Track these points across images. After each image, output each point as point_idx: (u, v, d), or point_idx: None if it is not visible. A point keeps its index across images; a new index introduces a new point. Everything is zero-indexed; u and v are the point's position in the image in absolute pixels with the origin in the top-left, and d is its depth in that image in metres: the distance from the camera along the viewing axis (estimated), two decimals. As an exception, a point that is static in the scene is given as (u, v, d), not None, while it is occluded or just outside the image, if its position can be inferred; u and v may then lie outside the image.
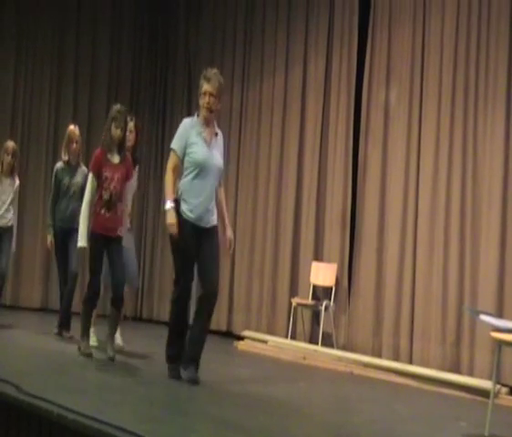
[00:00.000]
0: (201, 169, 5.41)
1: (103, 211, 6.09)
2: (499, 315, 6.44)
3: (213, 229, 5.55)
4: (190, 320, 5.65)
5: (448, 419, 5.36)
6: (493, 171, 7.01)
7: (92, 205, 6.15)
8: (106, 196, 6.10)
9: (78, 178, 7.55)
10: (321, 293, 8.52)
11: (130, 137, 6.55)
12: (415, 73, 7.77)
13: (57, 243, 7.50)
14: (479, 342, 6.85)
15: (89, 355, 6.15)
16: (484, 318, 5.04)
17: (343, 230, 8.36)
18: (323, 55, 8.77)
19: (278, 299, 8.92)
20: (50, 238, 7.49)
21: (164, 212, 5.45)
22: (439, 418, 5.38)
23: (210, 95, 5.46)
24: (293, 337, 8.49)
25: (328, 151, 8.63)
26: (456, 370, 6.96)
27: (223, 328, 9.49)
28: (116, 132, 6.13)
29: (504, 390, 6.27)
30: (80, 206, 6.81)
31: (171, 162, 5.49)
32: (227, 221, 5.73)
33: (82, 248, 6.16)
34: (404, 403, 5.85)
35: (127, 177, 6.24)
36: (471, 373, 6.85)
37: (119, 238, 6.22)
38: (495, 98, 7.05)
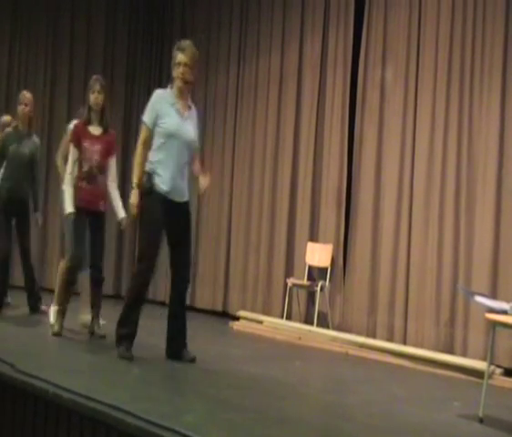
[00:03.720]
0: (173, 141, 5.33)
1: (84, 184, 6.09)
2: (493, 295, 6.46)
3: (186, 206, 5.51)
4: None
5: (443, 399, 5.38)
6: (488, 149, 7.00)
7: (73, 176, 6.11)
8: (85, 167, 6.09)
9: (25, 149, 7.17)
10: (316, 274, 8.53)
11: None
12: (411, 51, 7.75)
13: (5, 214, 7.13)
14: (473, 323, 6.88)
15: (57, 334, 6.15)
16: (478, 299, 5.05)
17: (339, 210, 8.36)
18: (320, 32, 8.73)
19: (273, 279, 8.93)
20: None
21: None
22: (434, 398, 5.41)
23: (185, 65, 5.39)
24: (289, 317, 8.51)
25: (324, 129, 8.61)
26: (450, 351, 6.99)
27: (219, 308, 9.51)
28: (91, 97, 6.11)
29: (498, 371, 6.30)
30: (26, 179, 7.09)
31: (142, 136, 5.43)
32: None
33: (70, 214, 6.09)
34: (399, 384, 5.88)
35: (109, 151, 6.21)
36: (465, 354, 6.88)
37: (101, 214, 6.20)
38: (490, 76, 7.04)
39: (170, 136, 5.33)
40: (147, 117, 5.42)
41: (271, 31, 9.33)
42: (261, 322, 8.36)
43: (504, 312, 4.69)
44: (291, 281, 8.41)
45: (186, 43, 5.48)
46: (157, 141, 5.36)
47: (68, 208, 6.10)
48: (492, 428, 4.50)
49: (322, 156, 8.62)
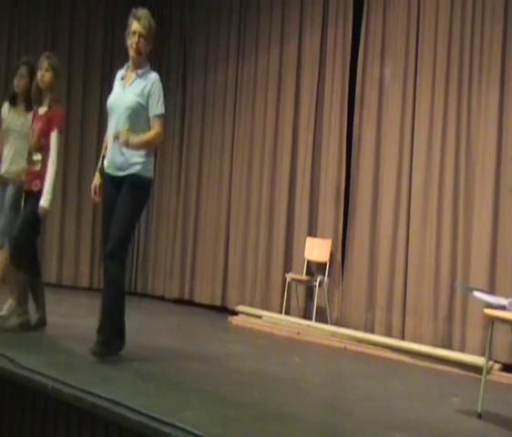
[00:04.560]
0: (111, 112, 5.10)
1: (27, 165, 5.95)
2: (491, 291, 6.47)
3: (129, 178, 5.02)
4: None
5: (441, 395, 5.39)
6: (486, 146, 7.01)
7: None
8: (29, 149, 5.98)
9: None
10: (315, 269, 8.54)
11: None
12: (410, 48, 7.74)
13: None
14: (471, 318, 6.89)
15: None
16: (477, 294, 5.06)
17: (338, 206, 8.37)
18: (319, 29, 8.72)
19: (272, 274, 8.94)
20: None
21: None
22: (432, 394, 5.42)
23: (140, 35, 5.05)
24: (287, 312, 8.52)
25: (323, 125, 8.61)
26: (448, 346, 7.00)
27: (217, 302, 9.52)
28: (38, 74, 5.90)
29: (496, 366, 6.31)
30: None
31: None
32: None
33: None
34: (398, 379, 5.89)
35: (49, 127, 5.86)
36: (462, 349, 6.89)
37: (33, 194, 5.81)
38: (489, 73, 7.03)
39: (108, 108, 5.13)
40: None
41: (269, 27, 9.32)
42: (259, 317, 8.36)
43: (502, 308, 4.70)
44: (289, 276, 8.42)
45: (143, 11, 5.12)
46: None
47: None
48: (490, 423, 4.51)
49: (320, 151, 8.62)
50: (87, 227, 10.72)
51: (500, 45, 6.95)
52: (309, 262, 8.54)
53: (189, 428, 3.29)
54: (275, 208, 9.05)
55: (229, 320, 8.55)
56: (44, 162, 5.85)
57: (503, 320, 4.59)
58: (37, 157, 5.87)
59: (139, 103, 5.04)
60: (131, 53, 5.11)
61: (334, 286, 8.31)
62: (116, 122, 5.05)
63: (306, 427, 3.84)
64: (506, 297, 4.98)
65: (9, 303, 6.34)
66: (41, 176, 5.84)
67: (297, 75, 8.94)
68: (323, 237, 8.43)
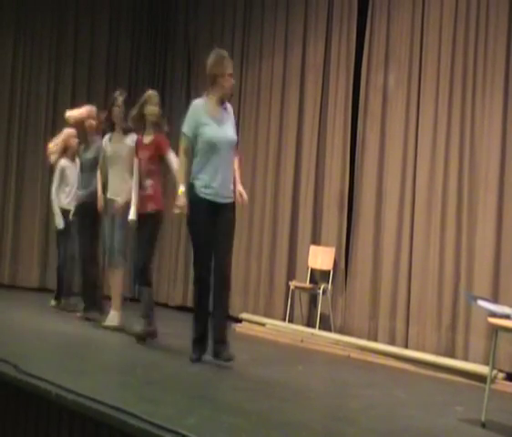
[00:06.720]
0: (215, 148, 5.45)
1: (139, 191, 6.49)
2: (495, 300, 6.46)
3: (230, 205, 5.56)
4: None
5: (445, 403, 5.38)
6: (490, 153, 7.01)
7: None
8: (140, 175, 6.51)
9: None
10: (318, 276, 8.53)
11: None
12: (414, 55, 7.76)
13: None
14: (474, 327, 6.88)
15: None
16: (481, 303, 5.06)
17: (341, 213, 8.37)
18: (323, 36, 8.74)
19: (276, 282, 8.93)
20: None
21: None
22: (436, 402, 5.41)
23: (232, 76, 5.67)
24: (291, 320, 8.51)
25: (326, 134, 8.62)
26: (452, 355, 6.99)
27: (221, 310, 9.50)
28: (149, 108, 6.48)
29: (500, 375, 6.30)
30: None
31: (182, 146, 5.54)
32: (238, 182, 5.66)
33: (132, 221, 6.51)
34: (401, 388, 5.87)
35: (157, 154, 6.45)
36: (466, 358, 6.88)
37: (148, 215, 6.43)
38: (493, 81, 7.04)
39: (212, 144, 5.45)
40: (186, 128, 5.52)
41: (273, 35, 9.34)
42: (263, 325, 8.36)
43: (506, 317, 4.69)
44: (293, 284, 8.42)
45: (226, 53, 5.77)
46: (199, 150, 5.48)
47: (132, 214, 6.50)
48: (494, 433, 4.50)
49: (324, 159, 8.63)
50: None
51: (504, 53, 6.96)
52: (312, 270, 8.53)
53: (192, 435, 3.29)
54: (279, 215, 9.05)
55: (232, 327, 8.53)
56: (154, 186, 6.47)
57: (507, 329, 4.59)
58: (149, 182, 6.46)
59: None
60: (229, 93, 5.67)
61: (338, 294, 8.30)
62: (223, 157, 5.47)
63: (309, 435, 3.84)
64: (510, 305, 4.97)
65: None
66: (153, 198, 6.46)
67: (301, 82, 8.95)
68: (327, 245, 8.43)
